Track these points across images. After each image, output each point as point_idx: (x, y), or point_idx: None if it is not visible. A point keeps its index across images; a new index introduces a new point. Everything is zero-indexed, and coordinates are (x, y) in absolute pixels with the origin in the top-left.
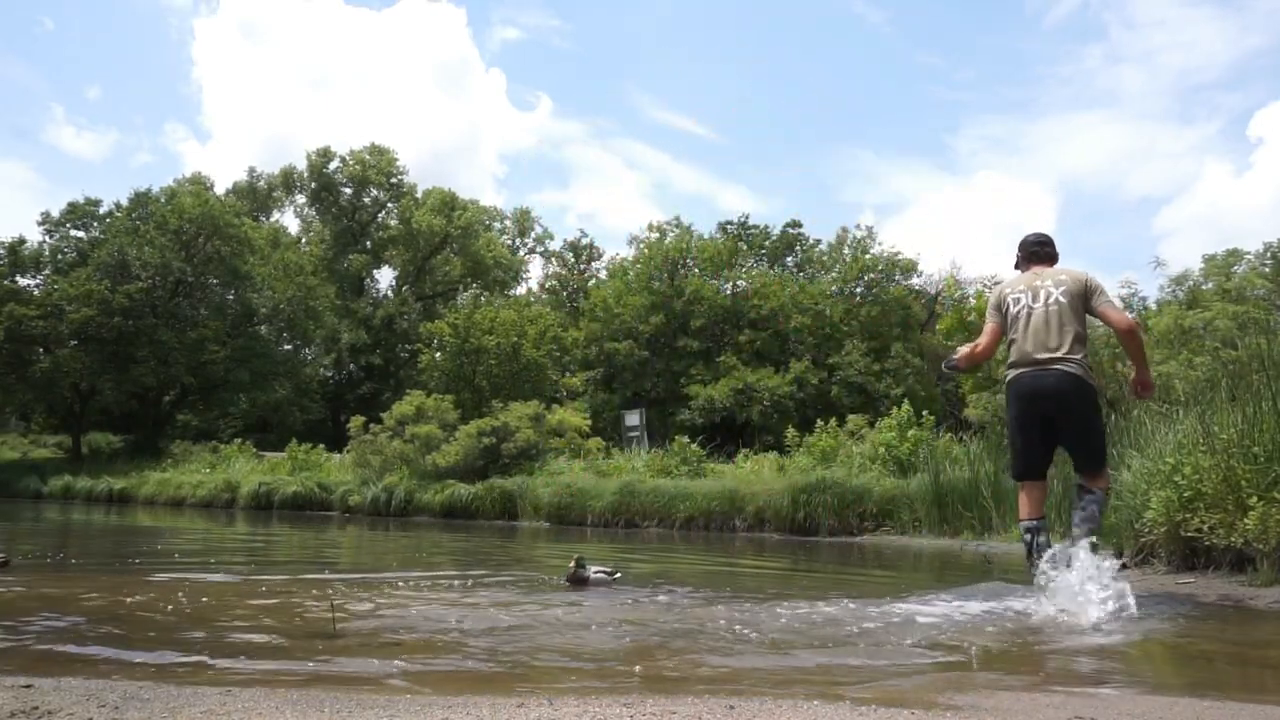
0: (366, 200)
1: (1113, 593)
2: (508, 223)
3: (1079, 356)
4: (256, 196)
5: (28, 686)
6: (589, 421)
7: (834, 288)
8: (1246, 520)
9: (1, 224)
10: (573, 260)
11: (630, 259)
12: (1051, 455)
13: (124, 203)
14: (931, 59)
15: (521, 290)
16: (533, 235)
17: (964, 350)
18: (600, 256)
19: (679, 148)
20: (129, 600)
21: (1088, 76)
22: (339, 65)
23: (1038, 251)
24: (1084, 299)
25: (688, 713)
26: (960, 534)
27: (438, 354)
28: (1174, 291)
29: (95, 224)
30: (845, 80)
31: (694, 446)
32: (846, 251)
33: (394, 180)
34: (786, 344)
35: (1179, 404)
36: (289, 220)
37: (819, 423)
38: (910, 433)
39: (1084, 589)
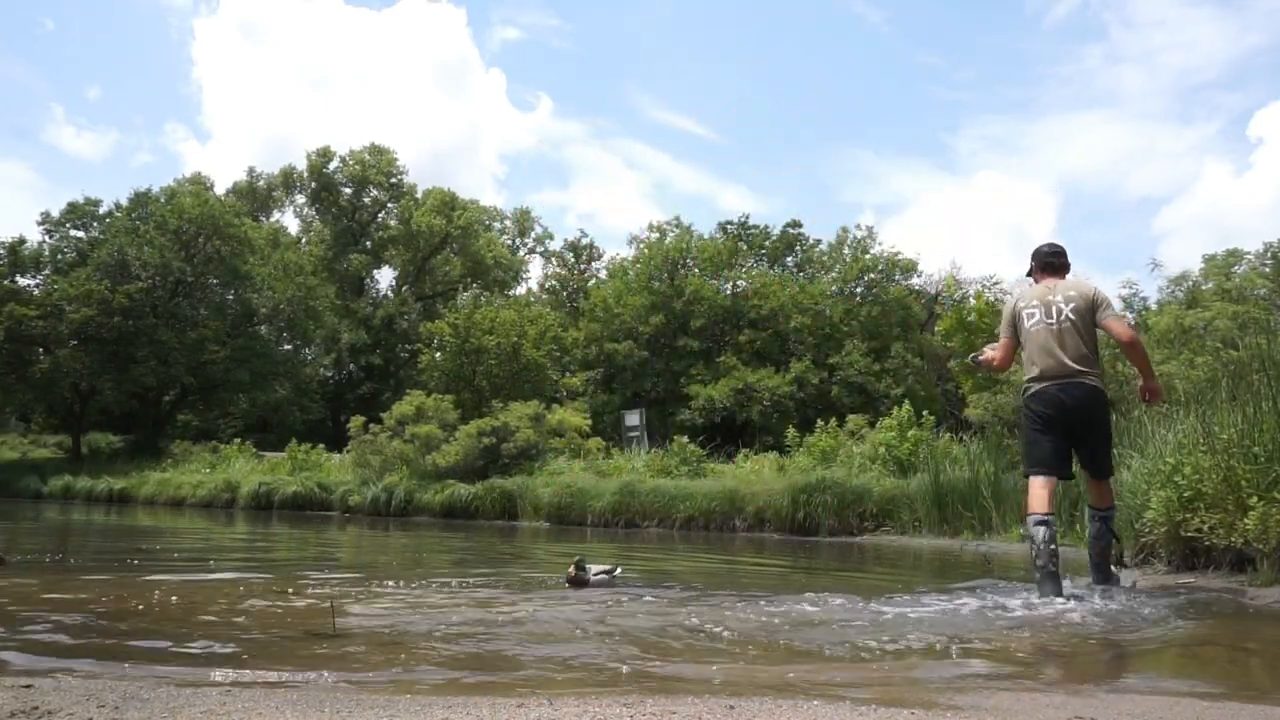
0: (366, 200)
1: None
2: (508, 223)
3: (1097, 370)
4: (256, 196)
5: (28, 686)
6: (589, 421)
7: (834, 288)
8: (1246, 520)
9: (1, 224)
10: (573, 260)
11: (630, 259)
12: (1070, 457)
13: (124, 203)
14: (931, 59)
15: (521, 290)
16: (533, 235)
17: (988, 354)
18: (600, 256)
19: (679, 148)
20: (128, 600)
21: (1088, 76)
22: (339, 65)
23: (1052, 263)
24: (1092, 312)
25: (688, 713)
26: (960, 534)
27: (438, 354)
28: (1173, 292)
29: (95, 224)
30: (845, 80)
31: (694, 447)
32: (846, 251)
33: (394, 180)
34: (786, 344)
35: (1179, 404)
36: (289, 220)
37: (819, 423)
38: (910, 433)
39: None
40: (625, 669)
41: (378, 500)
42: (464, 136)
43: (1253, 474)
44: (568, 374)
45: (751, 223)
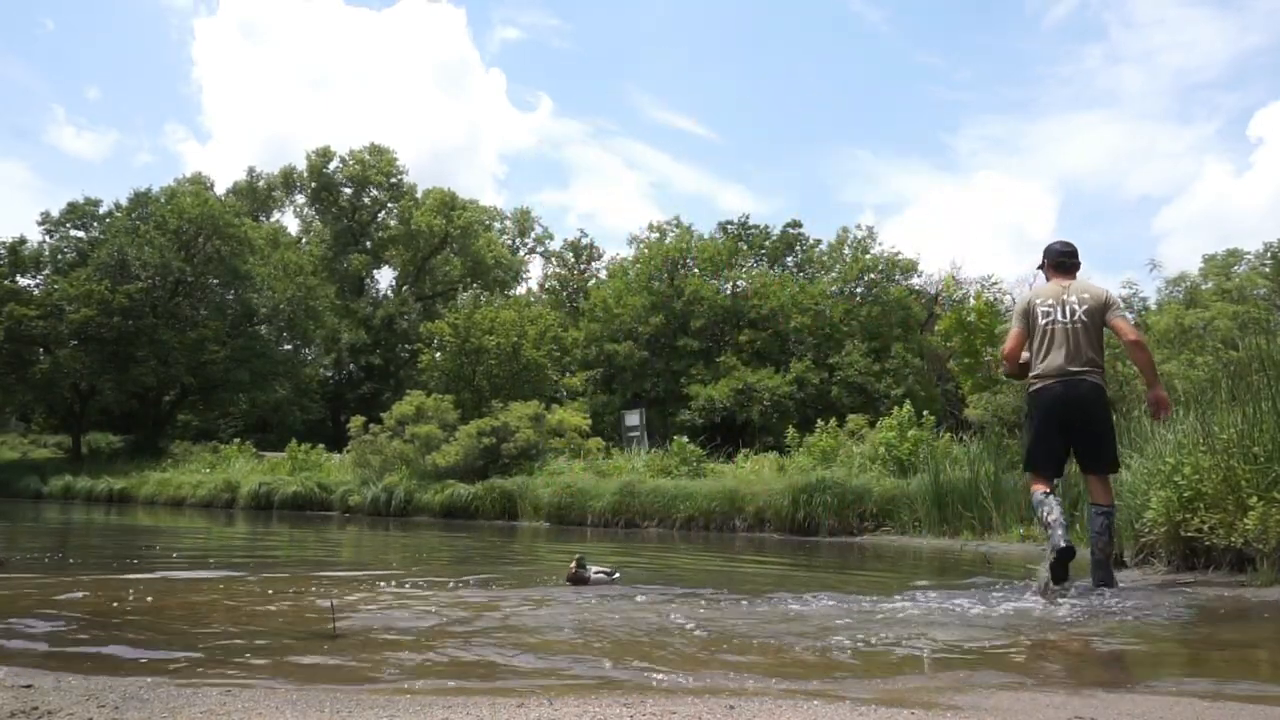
0: (366, 200)
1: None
2: (508, 223)
3: (1100, 369)
4: (256, 196)
5: (28, 686)
6: (589, 421)
7: (834, 288)
8: (1246, 520)
9: (1, 224)
10: (573, 260)
11: (630, 259)
12: (1067, 456)
13: (124, 203)
14: (931, 59)
15: (521, 290)
16: (533, 235)
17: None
18: (600, 256)
19: (679, 148)
20: (128, 600)
21: (1087, 76)
22: (339, 65)
23: (1064, 262)
24: (1102, 313)
25: (688, 712)
26: (960, 534)
27: (438, 354)
28: (1172, 292)
29: (95, 224)
30: (845, 80)
31: (694, 447)
32: (846, 251)
33: (394, 180)
34: (786, 344)
35: (1179, 404)
36: (289, 220)
37: (819, 423)
38: (910, 433)
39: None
40: (614, 672)
41: (378, 500)
42: (464, 136)
43: (1253, 474)
44: (568, 374)
45: (751, 223)
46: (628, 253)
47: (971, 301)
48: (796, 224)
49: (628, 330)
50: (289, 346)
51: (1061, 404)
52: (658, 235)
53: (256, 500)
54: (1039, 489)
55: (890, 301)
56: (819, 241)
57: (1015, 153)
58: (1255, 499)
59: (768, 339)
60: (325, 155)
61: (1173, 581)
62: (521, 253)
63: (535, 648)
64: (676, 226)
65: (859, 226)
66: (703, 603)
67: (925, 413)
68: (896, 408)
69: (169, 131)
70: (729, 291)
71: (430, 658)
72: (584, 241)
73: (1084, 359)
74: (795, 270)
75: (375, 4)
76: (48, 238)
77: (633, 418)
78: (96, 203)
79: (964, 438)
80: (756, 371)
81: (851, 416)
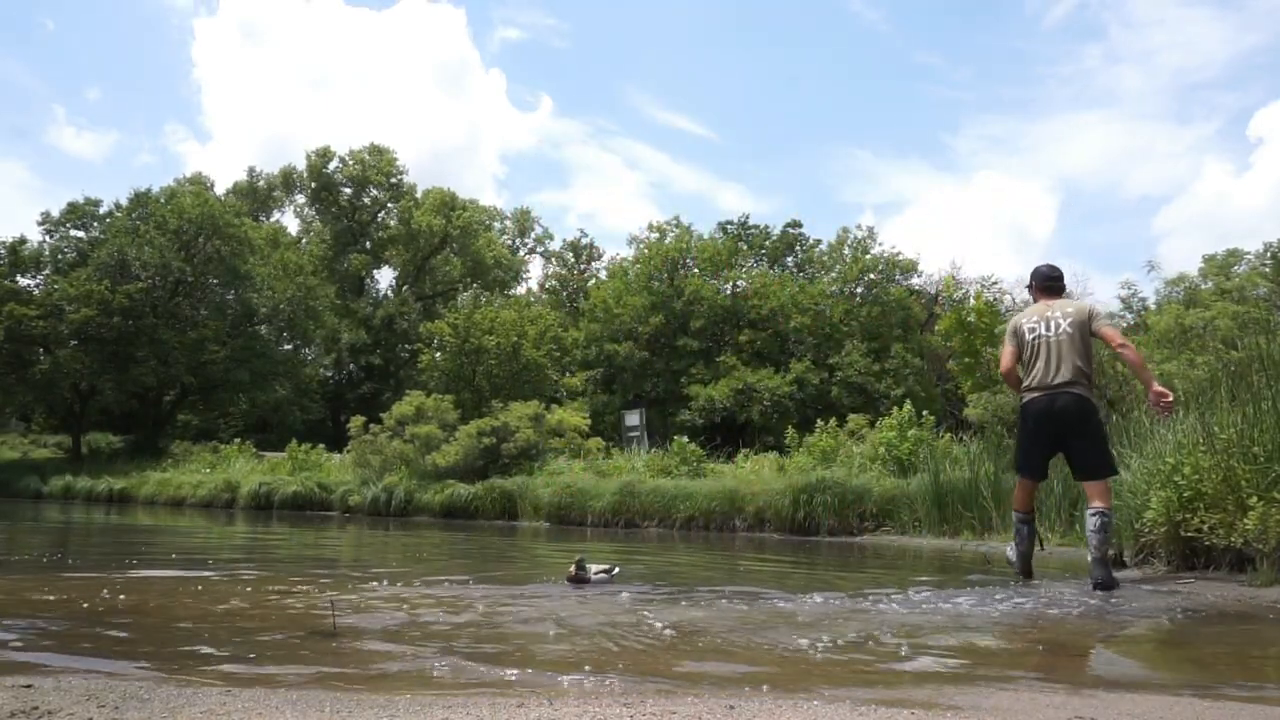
0: (366, 200)
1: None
2: (508, 223)
3: (1085, 380)
4: (256, 196)
5: (28, 686)
6: (589, 421)
7: (834, 288)
8: (1246, 520)
9: (1, 224)
10: (573, 260)
11: (630, 259)
12: (1053, 455)
13: (124, 203)
14: (931, 59)
15: (521, 290)
16: (533, 235)
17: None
18: (600, 256)
19: (679, 148)
20: (127, 599)
21: (1087, 76)
22: (339, 65)
23: (1050, 285)
24: (1087, 324)
25: (688, 713)
26: (960, 534)
27: (438, 354)
28: (1171, 293)
29: (95, 224)
30: (844, 80)
31: (694, 447)
32: (846, 251)
33: (394, 180)
34: (786, 344)
35: (1179, 404)
36: (289, 220)
37: (819, 423)
38: (910, 433)
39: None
40: (617, 664)
41: (378, 500)
42: (464, 136)
43: (1253, 474)
44: (568, 374)
45: (751, 223)
46: (627, 253)
47: (971, 301)
48: (796, 224)
49: (628, 330)
50: (289, 346)
51: (1046, 416)
52: (657, 235)
53: (256, 500)
54: (1021, 509)
55: (890, 301)
56: (819, 241)
57: (1015, 153)
58: (1255, 499)
59: (768, 339)
60: (325, 155)
61: (1173, 581)
62: (521, 253)
63: (535, 647)
64: (676, 226)
65: (859, 226)
66: (702, 602)
67: (925, 413)
68: (896, 408)
69: (169, 132)
70: (729, 291)
71: (429, 657)
72: (584, 241)
73: (1069, 370)
74: (795, 270)
75: (375, 4)
76: (48, 238)
77: (633, 418)
78: (96, 203)
79: (964, 438)
80: (756, 371)
81: (851, 416)
